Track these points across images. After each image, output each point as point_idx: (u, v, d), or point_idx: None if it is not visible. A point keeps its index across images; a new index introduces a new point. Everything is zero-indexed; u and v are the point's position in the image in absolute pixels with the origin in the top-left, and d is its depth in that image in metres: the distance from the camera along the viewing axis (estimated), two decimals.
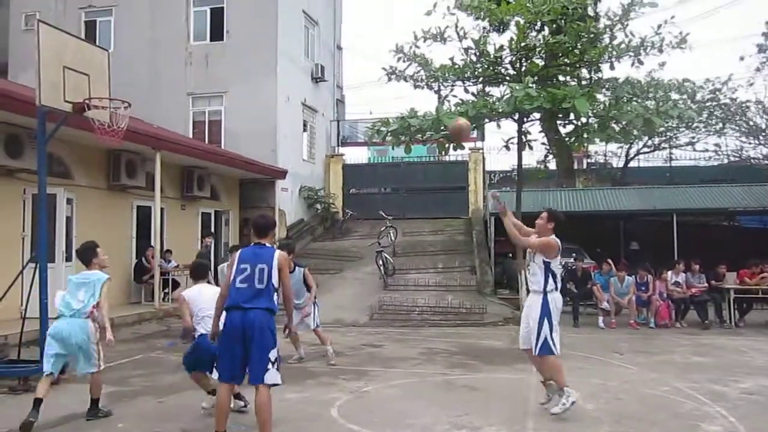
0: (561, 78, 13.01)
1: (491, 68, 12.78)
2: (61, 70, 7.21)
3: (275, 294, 4.88)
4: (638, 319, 12.51)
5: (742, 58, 24.29)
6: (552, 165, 23.10)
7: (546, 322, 5.75)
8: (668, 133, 24.53)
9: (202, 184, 15.38)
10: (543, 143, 16.49)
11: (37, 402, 5.35)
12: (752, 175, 22.05)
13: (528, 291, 6.21)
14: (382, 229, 16.79)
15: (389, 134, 12.30)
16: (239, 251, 5.02)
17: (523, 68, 12.59)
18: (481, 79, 13.06)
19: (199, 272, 6.30)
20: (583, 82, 12.91)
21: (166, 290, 13.10)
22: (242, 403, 5.77)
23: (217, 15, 18.35)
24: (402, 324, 12.54)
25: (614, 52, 12.02)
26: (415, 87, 13.23)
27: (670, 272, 12.87)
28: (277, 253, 4.97)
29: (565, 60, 12.64)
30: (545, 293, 5.82)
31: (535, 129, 14.48)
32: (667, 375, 7.68)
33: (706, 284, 12.68)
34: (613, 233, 19.79)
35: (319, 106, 21.16)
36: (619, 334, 11.35)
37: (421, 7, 14.21)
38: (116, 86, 8.36)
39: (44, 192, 7.44)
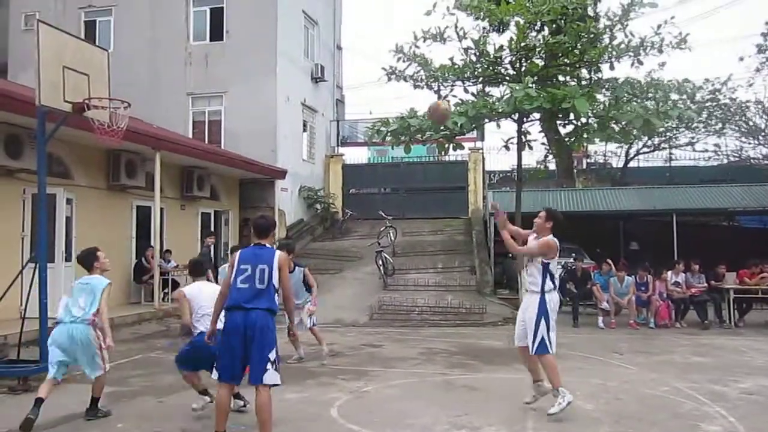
0: (561, 78, 13.00)
1: (491, 68, 12.77)
2: (60, 70, 7.21)
3: (276, 294, 4.90)
4: (638, 319, 12.51)
5: (741, 59, 24.27)
6: (552, 165, 23.19)
7: (543, 321, 5.77)
8: (668, 134, 24.56)
9: (201, 184, 15.38)
10: (543, 143, 16.51)
11: (39, 401, 5.36)
12: (752, 175, 22.08)
13: (526, 290, 6.22)
14: (382, 229, 16.79)
15: (389, 134, 12.29)
16: (239, 252, 5.03)
17: (523, 68, 12.58)
18: (480, 79, 13.05)
19: (197, 269, 6.30)
20: (583, 83, 12.89)
21: (166, 290, 13.09)
22: (242, 403, 5.77)
23: (217, 15, 18.34)
24: (402, 324, 12.54)
25: (614, 53, 12.01)
26: (415, 87, 13.22)
27: (669, 272, 12.87)
28: (278, 253, 5.00)
29: (565, 60, 12.64)
30: (543, 293, 5.84)
31: (534, 129, 14.48)
32: (667, 375, 7.69)
33: (705, 284, 12.68)
34: (612, 233, 19.80)
35: (318, 106, 21.16)
36: (618, 334, 11.36)
37: (420, 7, 14.19)
38: (116, 86, 8.36)
39: (44, 192, 7.44)
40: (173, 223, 14.62)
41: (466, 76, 12.95)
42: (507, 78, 12.81)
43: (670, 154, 27.15)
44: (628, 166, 27.43)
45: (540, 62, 12.64)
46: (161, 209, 13.30)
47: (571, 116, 11.85)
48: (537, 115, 12.63)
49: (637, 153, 27.10)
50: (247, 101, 17.74)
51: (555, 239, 5.94)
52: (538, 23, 12.71)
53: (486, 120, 12.40)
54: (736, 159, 26.66)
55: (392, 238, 16.73)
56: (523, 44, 12.18)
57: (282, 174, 17.76)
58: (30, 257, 8.05)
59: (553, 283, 5.91)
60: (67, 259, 10.93)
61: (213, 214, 16.61)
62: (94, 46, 8.60)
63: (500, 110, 11.55)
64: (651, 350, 9.70)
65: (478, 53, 12.74)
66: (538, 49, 12.40)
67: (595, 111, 11.59)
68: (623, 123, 11.50)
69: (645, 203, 17.72)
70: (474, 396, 6.73)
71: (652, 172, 26.81)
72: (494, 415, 5.84)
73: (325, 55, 21.90)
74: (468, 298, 13.82)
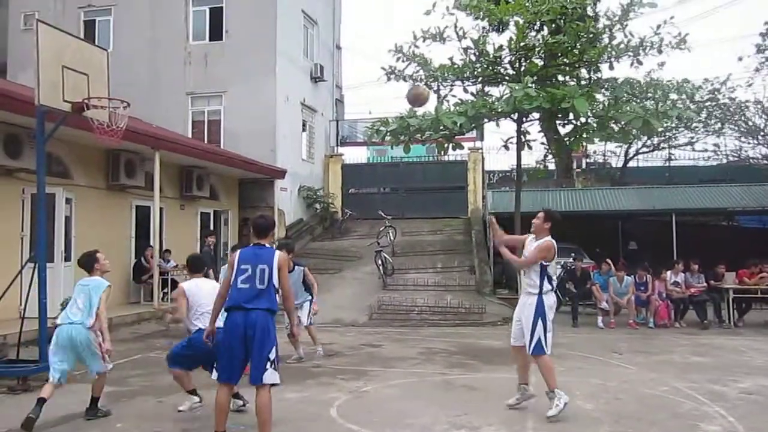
0: (560, 78, 13.03)
1: (490, 68, 12.79)
2: (60, 69, 7.19)
3: (276, 294, 4.90)
4: (637, 319, 12.51)
5: (740, 59, 24.28)
6: (551, 165, 23.23)
7: (540, 322, 5.77)
8: (667, 133, 24.57)
9: (201, 183, 15.37)
10: (542, 143, 16.56)
11: (41, 401, 5.36)
12: (751, 175, 22.10)
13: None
14: (381, 228, 16.77)
15: (388, 134, 12.31)
16: (238, 252, 5.03)
17: (523, 68, 12.60)
18: (480, 78, 13.07)
19: (195, 265, 6.28)
20: (582, 82, 12.92)
21: (165, 290, 13.06)
22: (241, 403, 5.77)
23: (217, 15, 18.32)
24: (401, 324, 12.54)
25: (613, 52, 12.04)
26: None
27: (669, 272, 12.87)
28: (278, 253, 5.00)
29: (565, 60, 12.65)
30: (540, 294, 5.85)
31: (534, 129, 14.50)
32: (666, 375, 7.69)
33: (705, 284, 12.67)
34: (612, 233, 19.81)
35: (318, 106, 21.14)
36: (618, 334, 11.36)
37: (420, 7, 14.19)
38: (115, 86, 8.35)
39: (43, 192, 7.44)
40: (172, 222, 14.61)
41: (465, 75, 12.98)
42: (506, 78, 12.83)
43: (670, 153, 27.18)
44: (628, 165, 27.46)
45: (539, 62, 12.66)
46: (161, 209, 13.28)
47: (571, 116, 11.88)
48: (536, 115, 12.65)
49: (637, 153, 27.12)
50: (247, 101, 17.73)
51: (553, 241, 5.95)
52: (538, 23, 12.72)
53: (485, 120, 12.42)
54: (736, 159, 26.69)
55: (392, 238, 16.71)
56: (522, 44, 12.20)
57: (281, 174, 17.75)
58: (29, 257, 8.04)
59: (551, 284, 5.93)
60: (67, 258, 10.92)
61: (212, 214, 16.60)
62: (93, 46, 8.59)
63: (500, 110, 11.56)
64: (650, 350, 9.70)
65: (477, 53, 12.76)
66: (537, 49, 12.42)
67: (594, 111, 11.61)
68: (622, 123, 11.53)
69: (644, 203, 17.73)
70: (473, 396, 6.73)
71: (651, 171, 26.83)
72: (493, 414, 5.84)
73: (325, 54, 21.89)
74: (467, 298, 13.82)
